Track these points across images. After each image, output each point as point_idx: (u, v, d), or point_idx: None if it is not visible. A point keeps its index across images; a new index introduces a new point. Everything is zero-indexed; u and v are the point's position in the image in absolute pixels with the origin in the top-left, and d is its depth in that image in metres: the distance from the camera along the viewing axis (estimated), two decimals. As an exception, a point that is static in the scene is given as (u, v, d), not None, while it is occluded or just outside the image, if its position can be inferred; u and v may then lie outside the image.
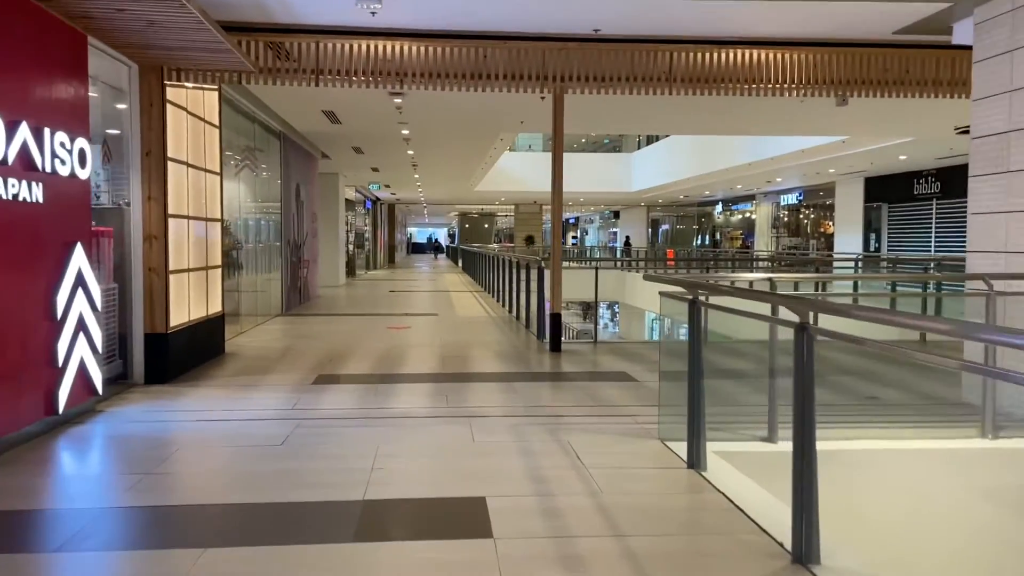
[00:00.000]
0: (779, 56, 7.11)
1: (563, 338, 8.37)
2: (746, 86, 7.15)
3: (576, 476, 3.88)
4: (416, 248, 66.37)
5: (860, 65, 7.15)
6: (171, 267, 6.47)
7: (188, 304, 6.89)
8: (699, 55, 7.02)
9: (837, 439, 4.91)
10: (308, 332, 10.09)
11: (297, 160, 13.44)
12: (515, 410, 5.47)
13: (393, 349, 8.33)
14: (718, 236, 32.82)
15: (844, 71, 7.18)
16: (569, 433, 4.75)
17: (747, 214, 30.28)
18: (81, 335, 5.09)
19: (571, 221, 55.68)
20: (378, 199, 31.51)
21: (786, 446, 4.66)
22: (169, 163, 6.42)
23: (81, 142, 5.10)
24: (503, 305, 13.58)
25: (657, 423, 4.80)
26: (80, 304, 5.08)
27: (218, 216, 7.73)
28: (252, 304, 10.55)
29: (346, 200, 21.31)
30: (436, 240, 67.75)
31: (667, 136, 25.37)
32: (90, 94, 6.68)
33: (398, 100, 9.70)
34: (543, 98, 9.11)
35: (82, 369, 5.10)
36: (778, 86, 7.15)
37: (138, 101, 6.25)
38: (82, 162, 5.10)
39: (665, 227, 38.94)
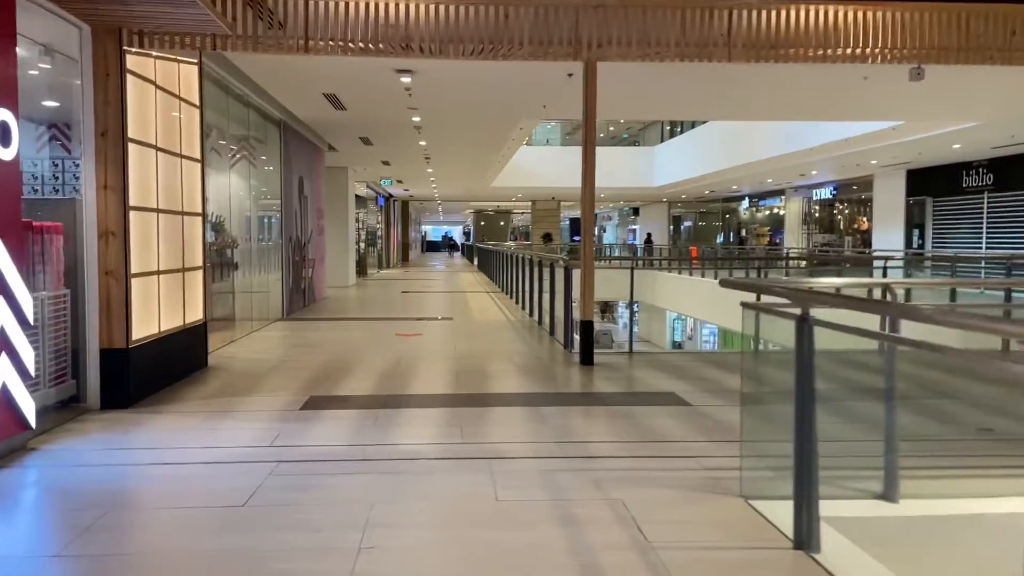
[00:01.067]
0: (856, 15, 5.96)
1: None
2: (816, 52, 6.00)
3: (643, 565, 2.76)
4: (431, 246, 65.43)
5: (953, 26, 5.98)
6: (134, 270, 5.43)
7: (158, 313, 5.84)
8: (763, 14, 5.87)
9: (961, 495, 3.78)
10: (308, 339, 9.06)
11: (300, 151, 12.40)
12: (547, 448, 4.37)
13: (402, 361, 7.25)
14: (744, 233, 31.46)
15: (932, 35, 6.02)
16: (620, 486, 3.64)
17: (775, 210, 28.93)
18: (3, 356, 4.05)
19: (589, 218, 54.29)
20: (391, 196, 30.48)
21: (915, 507, 3.56)
22: (131, 145, 5.37)
23: (3, 114, 4.06)
24: (523, 308, 12.48)
25: (738, 471, 3.67)
26: (2, 317, 4.05)
27: (198, 210, 6.68)
28: (247, 308, 9.52)
29: (357, 196, 20.29)
30: (451, 238, 66.78)
31: (692, 128, 24.13)
32: (44, 66, 5.74)
33: (406, 79, 8.61)
34: (570, 75, 7.99)
35: (5, 398, 4.07)
36: (854, 51, 6.00)
37: (91, 70, 5.20)
38: (4, 140, 4.06)
39: (687, 224, 37.61)
